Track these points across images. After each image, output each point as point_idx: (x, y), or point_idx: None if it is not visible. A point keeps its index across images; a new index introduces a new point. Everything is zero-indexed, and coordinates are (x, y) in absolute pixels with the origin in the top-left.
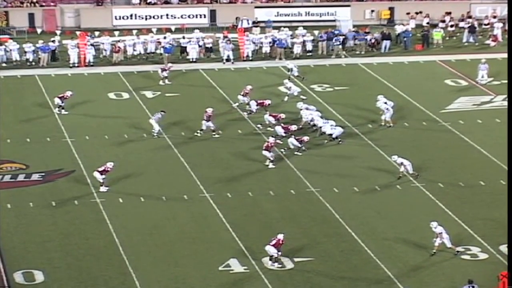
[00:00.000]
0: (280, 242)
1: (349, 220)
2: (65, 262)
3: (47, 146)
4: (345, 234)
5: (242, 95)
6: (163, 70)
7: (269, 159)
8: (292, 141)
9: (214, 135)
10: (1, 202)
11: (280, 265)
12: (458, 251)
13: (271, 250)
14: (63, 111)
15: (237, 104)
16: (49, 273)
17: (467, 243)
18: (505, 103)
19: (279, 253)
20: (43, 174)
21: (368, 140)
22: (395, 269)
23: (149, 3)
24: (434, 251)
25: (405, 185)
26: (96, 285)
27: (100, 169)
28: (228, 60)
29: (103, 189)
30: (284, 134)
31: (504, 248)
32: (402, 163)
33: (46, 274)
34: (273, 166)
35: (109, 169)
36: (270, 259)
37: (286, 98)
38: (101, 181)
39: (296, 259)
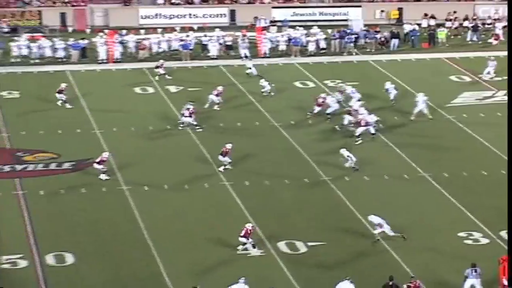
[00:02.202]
0: (249, 232)
1: (359, 207)
2: (93, 245)
3: (77, 137)
4: (355, 220)
5: (215, 95)
6: (157, 67)
7: (224, 164)
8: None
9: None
10: (34, 189)
11: (251, 251)
12: (404, 237)
13: (242, 240)
14: (67, 105)
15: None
16: (78, 256)
17: (470, 229)
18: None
19: (250, 240)
20: (73, 163)
21: (377, 132)
22: (401, 253)
23: (173, 3)
24: (378, 238)
25: (412, 175)
26: (121, 267)
27: (97, 160)
28: (246, 57)
29: (104, 176)
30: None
31: (504, 234)
32: (379, 224)
33: (76, 257)
34: (222, 171)
35: (105, 159)
36: (245, 249)
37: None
38: (102, 171)
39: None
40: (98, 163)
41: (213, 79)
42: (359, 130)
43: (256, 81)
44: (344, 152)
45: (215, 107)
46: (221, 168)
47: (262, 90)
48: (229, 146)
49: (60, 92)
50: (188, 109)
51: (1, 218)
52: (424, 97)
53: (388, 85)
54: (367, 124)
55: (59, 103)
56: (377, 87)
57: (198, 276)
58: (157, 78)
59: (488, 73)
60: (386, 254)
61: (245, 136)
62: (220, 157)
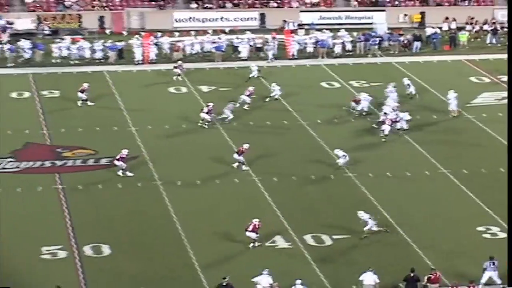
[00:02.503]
0: (257, 226)
1: (382, 202)
2: (129, 237)
3: (114, 134)
4: (378, 214)
5: (247, 95)
6: (175, 67)
7: (240, 162)
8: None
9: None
10: (73, 183)
11: (259, 244)
12: (387, 230)
13: (251, 235)
14: (88, 103)
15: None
16: (114, 247)
17: (488, 224)
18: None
19: (257, 235)
20: (110, 159)
21: (399, 130)
22: (423, 246)
23: (206, 7)
24: (365, 235)
25: (432, 172)
26: (155, 258)
27: (117, 157)
28: (275, 58)
29: (122, 172)
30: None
31: None
32: (367, 220)
33: (112, 248)
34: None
35: (124, 155)
36: (253, 243)
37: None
38: (124, 167)
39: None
40: (118, 159)
41: (243, 80)
42: (385, 129)
43: (282, 81)
44: (338, 152)
45: (245, 107)
46: (235, 165)
47: (272, 94)
48: (246, 146)
49: (82, 91)
50: (207, 106)
51: (42, 211)
52: (455, 94)
53: (406, 81)
54: (392, 122)
55: (79, 102)
56: (400, 87)
57: (227, 267)
58: (174, 78)
59: None
60: (408, 247)
61: (273, 134)
62: (235, 156)
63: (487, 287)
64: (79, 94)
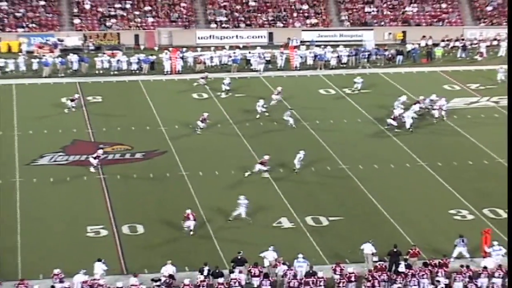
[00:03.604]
0: (190, 216)
1: (370, 189)
2: (159, 218)
3: (147, 132)
4: (367, 200)
5: (276, 94)
6: (202, 78)
7: (263, 170)
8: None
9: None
10: (112, 174)
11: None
12: (250, 220)
13: (191, 224)
14: (73, 110)
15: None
16: (147, 227)
17: (458, 207)
18: (488, 103)
19: (195, 222)
20: (144, 153)
21: (382, 127)
22: (404, 226)
23: (224, 27)
24: (230, 219)
25: (412, 164)
26: (182, 237)
27: (93, 156)
28: (256, 70)
29: (94, 169)
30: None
31: (486, 211)
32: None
33: (145, 227)
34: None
35: (100, 155)
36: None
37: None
38: (95, 164)
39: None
40: (94, 158)
41: (254, 87)
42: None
43: (286, 89)
44: (301, 153)
45: (272, 103)
46: (247, 174)
47: (288, 122)
48: (266, 157)
49: (72, 100)
50: (203, 115)
51: (87, 196)
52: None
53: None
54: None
55: (66, 110)
56: (385, 93)
57: (241, 244)
58: (195, 84)
59: (501, 78)
60: (392, 226)
61: (279, 132)
62: (258, 166)
63: (457, 260)
64: (70, 103)
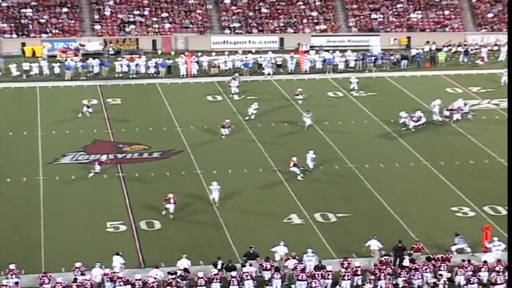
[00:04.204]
0: (174, 200)
1: (376, 187)
2: (176, 214)
3: (164, 133)
4: (373, 197)
5: (296, 94)
6: (233, 79)
7: (298, 174)
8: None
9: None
10: (131, 172)
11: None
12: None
13: (171, 207)
14: (87, 114)
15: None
16: (163, 222)
17: (460, 205)
18: (489, 105)
19: (175, 205)
20: (161, 152)
21: (388, 128)
22: (408, 222)
23: (237, 33)
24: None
25: (416, 164)
26: (196, 230)
27: (98, 162)
28: (269, 74)
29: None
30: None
31: (487, 208)
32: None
33: (162, 223)
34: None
35: (103, 161)
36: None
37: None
38: (98, 170)
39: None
40: (99, 164)
41: (266, 90)
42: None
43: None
44: (311, 153)
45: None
46: (299, 177)
47: (305, 124)
48: (295, 158)
49: (88, 106)
50: (224, 121)
51: (107, 193)
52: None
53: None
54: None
55: (79, 114)
56: (390, 96)
57: (253, 239)
58: (231, 87)
59: (504, 81)
60: (397, 223)
61: (290, 132)
62: (293, 168)
63: (459, 254)
64: (85, 108)
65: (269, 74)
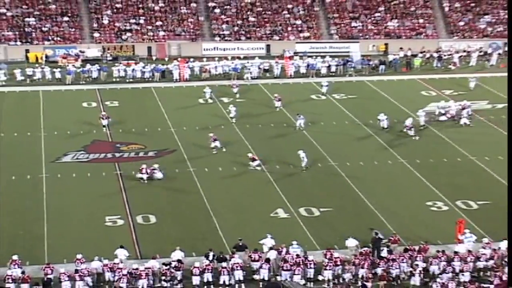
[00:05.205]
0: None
1: (356, 184)
2: (169, 209)
3: (159, 133)
4: (354, 193)
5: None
6: (233, 85)
7: (258, 166)
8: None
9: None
10: (128, 170)
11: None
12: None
13: (143, 176)
14: (104, 129)
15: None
16: (159, 217)
17: (434, 200)
18: (461, 107)
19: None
20: (156, 152)
21: (367, 128)
22: (386, 216)
23: (226, 40)
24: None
25: (394, 161)
26: (189, 224)
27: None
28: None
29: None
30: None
31: (459, 203)
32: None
33: (157, 218)
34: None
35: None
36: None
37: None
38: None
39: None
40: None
41: (254, 93)
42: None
43: (283, 94)
44: (301, 153)
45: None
46: (261, 168)
47: (298, 125)
48: (250, 154)
49: (102, 118)
50: (211, 136)
51: (105, 190)
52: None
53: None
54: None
55: (103, 128)
56: (370, 99)
57: (242, 231)
58: (235, 91)
59: (472, 86)
60: (375, 216)
61: (276, 133)
62: (255, 163)
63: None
64: (102, 121)
65: (247, 79)
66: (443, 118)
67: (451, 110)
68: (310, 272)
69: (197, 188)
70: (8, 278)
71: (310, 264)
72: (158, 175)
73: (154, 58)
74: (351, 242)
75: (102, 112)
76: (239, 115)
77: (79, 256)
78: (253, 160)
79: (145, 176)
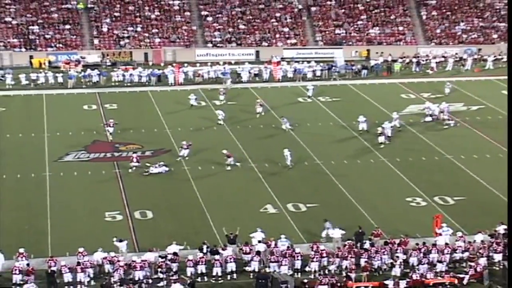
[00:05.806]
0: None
1: (341, 181)
2: (165, 205)
3: (155, 134)
4: (338, 190)
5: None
6: (222, 92)
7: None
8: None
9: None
10: (126, 168)
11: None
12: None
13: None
14: (109, 136)
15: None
16: (155, 212)
17: (413, 195)
18: (438, 108)
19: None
20: (152, 151)
21: (351, 130)
22: (369, 211)
23: (218, 46)
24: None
25: (375, 160)
26: (184, 219)
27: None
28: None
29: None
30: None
31: (437, 199)
32: None
33: (154, 213)
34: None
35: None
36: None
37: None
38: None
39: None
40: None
41: (244, 96)
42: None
43: (271, 98)
44: (285, 151)
45: (257, 115)
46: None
47: (284, 128)
48: (225, 151)
49: (108, 125)
50: (187, 142)
51: (105, 187)
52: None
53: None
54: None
55: (109, 136)
56: (353, 101)
57: (233, 226)
58: (222, 98)
59: (447, 92)
60: (358, 211)
61: (265, 133)
62: (229, 160)
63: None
64: (107, 128)
65: (225, 83)
66: (428, 119)
67: (435, 111)
68: (298, 264)
69: (191, 185)
70: (15, 270)
71: (298, 256)
72: (159, 169)
73: (150, 63)
74: (337, 233)
75: (110, 120)
76: (231, 117)
77: (80, 249)
78: (228, 156)
79: (135, 166)
